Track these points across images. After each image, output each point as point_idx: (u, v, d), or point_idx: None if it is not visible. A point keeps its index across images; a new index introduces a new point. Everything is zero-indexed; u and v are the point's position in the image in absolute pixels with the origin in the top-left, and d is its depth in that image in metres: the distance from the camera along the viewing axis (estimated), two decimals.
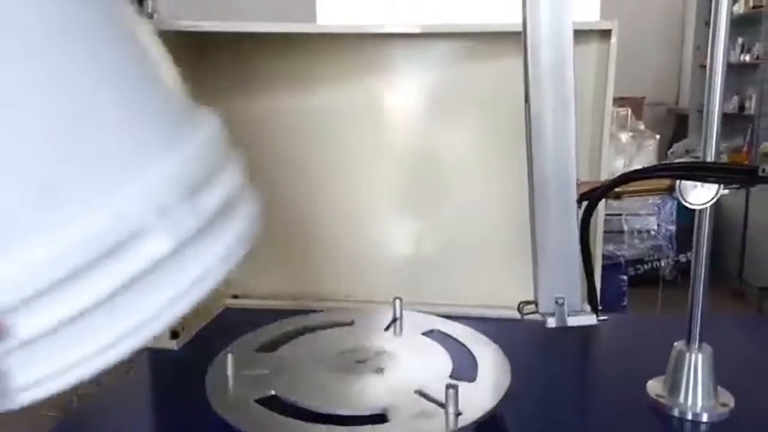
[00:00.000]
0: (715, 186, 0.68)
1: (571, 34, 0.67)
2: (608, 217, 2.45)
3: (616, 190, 0.71)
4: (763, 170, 0.64)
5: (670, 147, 5.34)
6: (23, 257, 0.33)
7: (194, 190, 0.37)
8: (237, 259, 0.40)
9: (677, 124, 5.84)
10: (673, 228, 2.56)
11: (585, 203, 0.72)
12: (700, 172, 0.68)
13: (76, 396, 2.42)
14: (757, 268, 3.57)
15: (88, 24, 0.36)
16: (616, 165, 3.05)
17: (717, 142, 0.72)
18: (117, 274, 0.35)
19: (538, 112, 0.68)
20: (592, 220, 1.02)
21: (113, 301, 0.36)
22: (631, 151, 2.91)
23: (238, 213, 0.41)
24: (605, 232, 2.69)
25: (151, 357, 0.96)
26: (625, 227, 2.43)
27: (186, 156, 0.37)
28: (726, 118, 4.86)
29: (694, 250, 0.77)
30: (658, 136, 2.88)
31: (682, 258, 4.33)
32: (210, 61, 1.09)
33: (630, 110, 2.99)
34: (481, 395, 0.70)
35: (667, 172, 0.69)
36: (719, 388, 0.77)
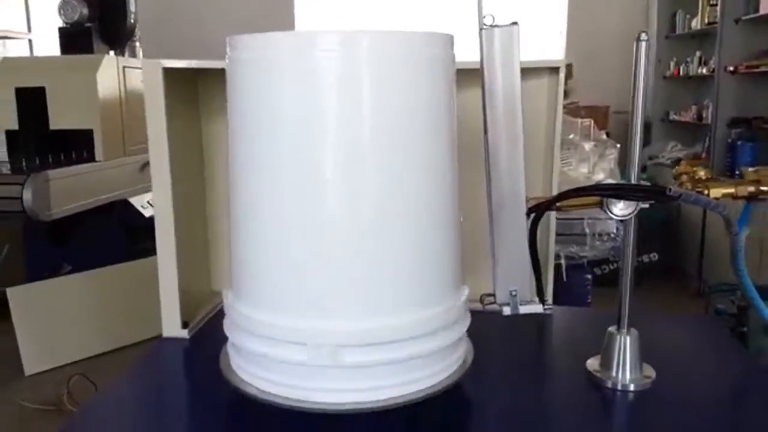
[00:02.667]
0: (635, 203, 0.85)
1: (519, 85, 0.84)
2: (571, 221, 2.61)
3: (558, 204, 0.89)
4: (669, 189, 0.82)
5: None
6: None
7: None
8: None
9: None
10: None
11: (533, 215, 0.89)
12: (622, 191, 0.86)
13: (67, 392, 2.55)
14: (714, 270, 3.80)
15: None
16: (581, 171, 3.23)
17: (638, 170, 0.90)
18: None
19: (495, 145, 0.86)
20: (547, 225, 1.20)
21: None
22: (593, 159, 3.10)
23: None
24: (569, 234, 2.89)
25: (166, 344, 1.11)
26: (587, 230, 2.61)
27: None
28: (685, 127, 5.11)
29: (622, 251, 0.95)
30: (618, 146, 3.08)
31: (645, 258, 4.58)
32: (205, 88, 1.24)
33: (593, 121, 3.18)
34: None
35: (597, 191, 0.87)
36: (643, 364, 0.95)
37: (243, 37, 0.79)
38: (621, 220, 0.89)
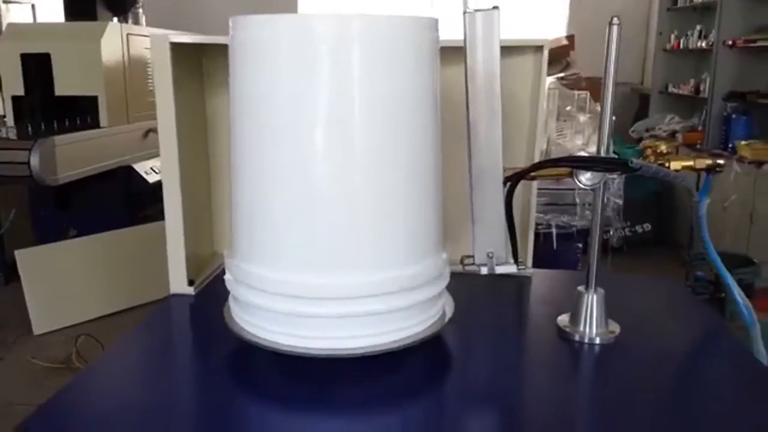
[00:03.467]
0: (601, 173, 0.94)
1: (498, 64, 0.92)
2: (563, 191, 2.69)
3: (532, 174, 0.97)
4: (631, 162, 0.91)
5: (633, 125, 5.63)
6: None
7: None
8: None
9: (641, 103, 6.13)
10: (620, 201, 2.83)
11: (509, 183, 0.97)
12: (589, 163, 0.94)
13: (75, 350, 2.67)
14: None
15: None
16: (576, 143, 3.29)
17: (608, 144, 0.98)
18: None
19: (475, 119, 0.94)
20: (530, 195, 1.28)
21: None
22: (588, 131, 3.17)
23: None
24: (560, 204, 2.96)
25: (174, 301, 1.20)
26: (577, 200, 2.69)
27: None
28: (683, 100, 5.15)
29: (592, 218, 1.03)
30: (614, 118, 3.13)
31: (638, 229, 4.66)
32: (209, 60, 1.31)
33: (589, 93, 3.24)
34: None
35: (567, 163, 0.95)
36: (609, 320, 1.04)
37: (244, 18, 0.86)
38: (591, 189, 0.97)
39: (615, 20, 0.94)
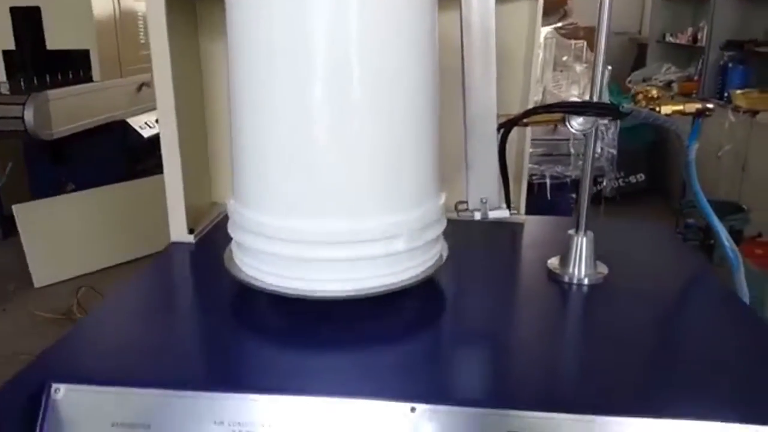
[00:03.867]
0: (592, 118, 0.95)
1: (492, 12, 0.93)
2: (556, 141, 2.71)
3: (525, 120, 0.99)
4: (622, 106, 0.92)
5: (631, 73, 5.60)
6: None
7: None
8: None
9: (638, 53, 6.09)
10: (614, 151, 2.85)
11: (503, 130, 0.99)
12: (582, 108, 0.96)
13: (77, 301, 2.73)
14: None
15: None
16: (572, 92, 3.29)
17: (601, 89, 0.99)
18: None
19: (470, 67, 0.95)
20: (524, 143, 1.30)
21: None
22: (584, 81, 3.16)
23: None
24: (555, 155, 2.98)
25: (175, 248, 1.23)
26: (572, 150, 2.71)
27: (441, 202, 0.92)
28: (679, 49, 5.12)
29: (582, 164, 1.05)
30: (609, 68, 3.12)
31: (632, 179, 4.69)
32: (203, 7, 1.31)
33: (586, 43, 3.22)
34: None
35: (558, 108, 0.96)
36: (597, 262, 1.07)
37: None
38: (582, 135, 0.99)
39: None
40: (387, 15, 0.85)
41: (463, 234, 1.18)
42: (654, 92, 0.98)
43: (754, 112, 3.70)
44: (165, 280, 1.16)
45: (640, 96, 0.99)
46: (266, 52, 0.86)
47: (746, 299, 1.05)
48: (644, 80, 5.20)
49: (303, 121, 0.86)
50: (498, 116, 0.99)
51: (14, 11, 3.29)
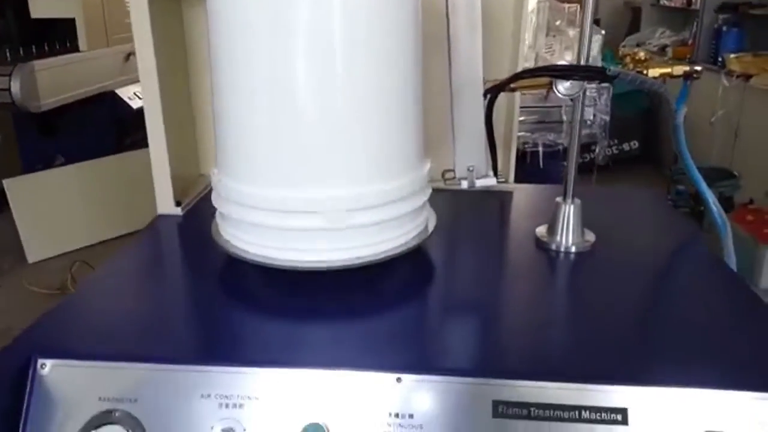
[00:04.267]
0: (579, 82, 0.94)
1: None
2: (548, 108, 2.69)
3: (512, 85, 0.97)
4: (609, 70, 0.91)
5: (625, 38, 5.55)
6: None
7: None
8: None
9: (633, 17, 6.02)
10: (607, 118, 2.84)
11: (489, 96, 0.98)
12: (569, 72, 0.94)
13: (71, 276, 2.71)
14: None
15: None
16: (565, 58, 3.26)
17: (588, 52, 0.98)
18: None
19: (455, 32, 0.93)
20: (513, 108, 1.29)
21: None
22: (578, 46, 3.12)
23: None
24: (547, 122, 2.96)
25: (162, 221, 1.22)
26: (564, 117, 2.69)
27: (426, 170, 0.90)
28: (673, 13, 5.06)
29: (571, 128, 1.04)
30: (603, 32, 3.09)
31: (626, 147, 4.67)
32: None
33: (579, 6, 3.18)
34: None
35: (545, 72, 0.95)
36: (585, 229, 1.07)
37: None
38: (570, 99, 0.98)
39: None
40: None
41: (450, 202, 1.17)
42: (641, 54, 0.96)
43: (748, 77, 3.68)
44: (152, 254, 1.15)
45: (628, 59, 0.97)
46: (245, 23, 0.84)
47: (734, 266, 1.05)
48: (638, 45, 5.15)
49: (283, 91, 0.84)
50: (485, 82, 0.98)
51: None
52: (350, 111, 0.86)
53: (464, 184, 1.02)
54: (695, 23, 4.58)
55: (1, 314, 2.84)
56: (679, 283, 1.00)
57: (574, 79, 0.93)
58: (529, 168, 2.72)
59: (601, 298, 0.93)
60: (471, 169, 1.01)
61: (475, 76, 0.96)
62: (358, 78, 0.85)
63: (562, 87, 0.94)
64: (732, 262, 1.06)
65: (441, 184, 1.04)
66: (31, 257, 3.42)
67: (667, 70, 0.95)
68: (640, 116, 4.62)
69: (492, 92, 0.97)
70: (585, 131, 2.78)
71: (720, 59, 4.09)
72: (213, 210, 1.01)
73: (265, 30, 0.83)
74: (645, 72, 0.95)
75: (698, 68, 0.96)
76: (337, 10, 0.82)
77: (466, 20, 0.93)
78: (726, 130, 3.76)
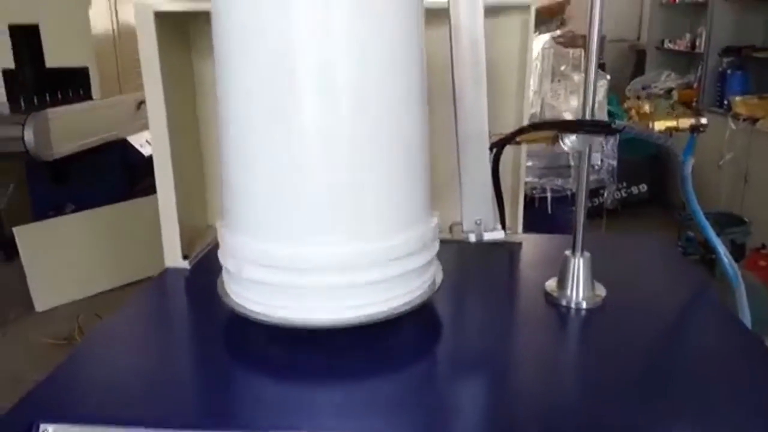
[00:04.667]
0: (585, 136, 0.94)
1: (482, 28, 0.91)
2: (557, 153, 2.69)
3: (517, 139, 0.97)
4: (614, 122, 0.91)
5: (630, 81, 5.59)
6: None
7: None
8: None
9: (638, 60, 6.07)
10: (614, 163, 2.83)
11: (495, 150, 0.98)
12: (572, 126, 0.94)
13: (78, 326, 2.69)
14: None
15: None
16: (571, 104, 3.27)
17: (592, 107, 0.98)
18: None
19: (461, 85, 0.94)
20: (519, 159, 1.29)
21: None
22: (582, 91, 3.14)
23: None
24: (555, 167, 2.95)
25: (169, 274, 1.22)
26: (572, 162, 2.69)
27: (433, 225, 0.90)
28: (678, 56, 5.08)
29: (577, 183, 1.04)
30: (608, 77, 3.11)
31: (634, 190, 4.66)
32: (196, 28, 1.30)
33: (584, 52, 3.20)
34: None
35: (550, 126, 0.95)
36: (596, 283, 1.05)
37: None
38: (577, 153, 0.97)
39: None
40: (373, 24, 0.83)
41: (458, 255, 1.16)
42: (646, 107, 0.96)
43: (755, 120, 3.68)
44: (157, 310, 1.14)
45: (633, 111, 0.97)
46: (248, 90, 0.85)
47: (747, 320, 1.03)
48: (643, 88, 5.18)
49: (289, 146, 0.85)
50: (491, 135, 0.98)
51: (13, 29, 3.28)
52: (354, 167, 0.85)
53: (472, 238, 1.01)
54: (700, 66, 4.61)
55: (9, 363, 2.81)
56: (691, 342, 0.97)
57: (579, 134, 0.93)
58: (537, 213, 2.71)
59: (612, 362, 0.90)
60: (479, 222, 1.00)
61: (480, 130, 0.96)
62: (362, 133, 0.85)
63: (569, 141, 0.94)
64: (746, 317, 1.03)
65: (448, 235, 1.03)
66: (39, 306, 3.40)
67: (673, 123, 0.95)
68: (649, 160, 4.61)
69: (497, 146, 0.97)
70: (593, 176, 2.77)
71: (726, 102, 4.10)
72: (220, 266, 1.00)
73: (269, 86, 0.83)
74: (651, 125, 0.94)
75: (704, 121, 0.95)
76: (344, 65, 0.82)
77: (471, 75, 0.94)
78: (735, 173, 3.74)
